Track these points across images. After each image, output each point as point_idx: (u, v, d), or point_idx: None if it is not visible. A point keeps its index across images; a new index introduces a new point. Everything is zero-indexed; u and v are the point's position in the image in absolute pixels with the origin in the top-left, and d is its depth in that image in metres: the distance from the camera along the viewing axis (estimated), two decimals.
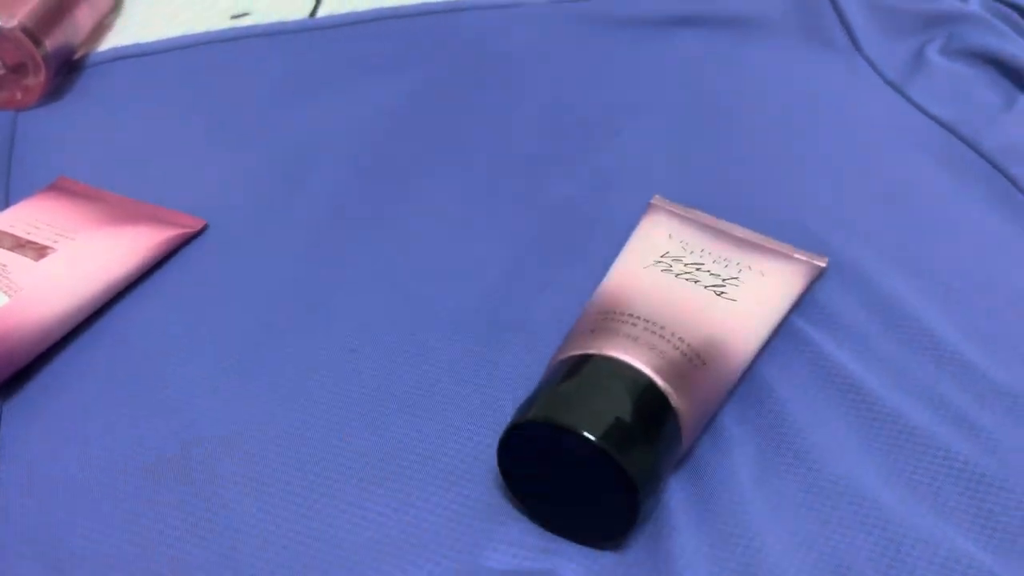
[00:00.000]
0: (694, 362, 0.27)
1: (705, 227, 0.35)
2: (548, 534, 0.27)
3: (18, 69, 0.44)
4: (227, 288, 0.36)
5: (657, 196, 0.37)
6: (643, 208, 0.37)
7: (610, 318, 0.28)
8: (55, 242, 0.34)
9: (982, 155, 0.40)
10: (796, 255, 0.35)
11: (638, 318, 0.28)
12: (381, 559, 0.27)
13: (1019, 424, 0.30)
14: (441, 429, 0.30)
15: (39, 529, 0.28)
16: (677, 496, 0.28)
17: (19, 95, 0.44)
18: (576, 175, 0.40)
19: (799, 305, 0.34)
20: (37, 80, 0.44)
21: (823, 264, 0.35)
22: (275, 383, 0.32)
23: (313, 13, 0.51)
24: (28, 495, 0.29)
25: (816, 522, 0.28)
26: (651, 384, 0.26)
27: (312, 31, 0.49)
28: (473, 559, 0.27)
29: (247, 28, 0.49)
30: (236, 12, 0.50)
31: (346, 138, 0.42)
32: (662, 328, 0.28)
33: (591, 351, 0.27)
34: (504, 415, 0.30)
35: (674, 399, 0.26)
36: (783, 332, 0.33)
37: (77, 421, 0.31)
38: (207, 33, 0.49)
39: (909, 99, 0.44)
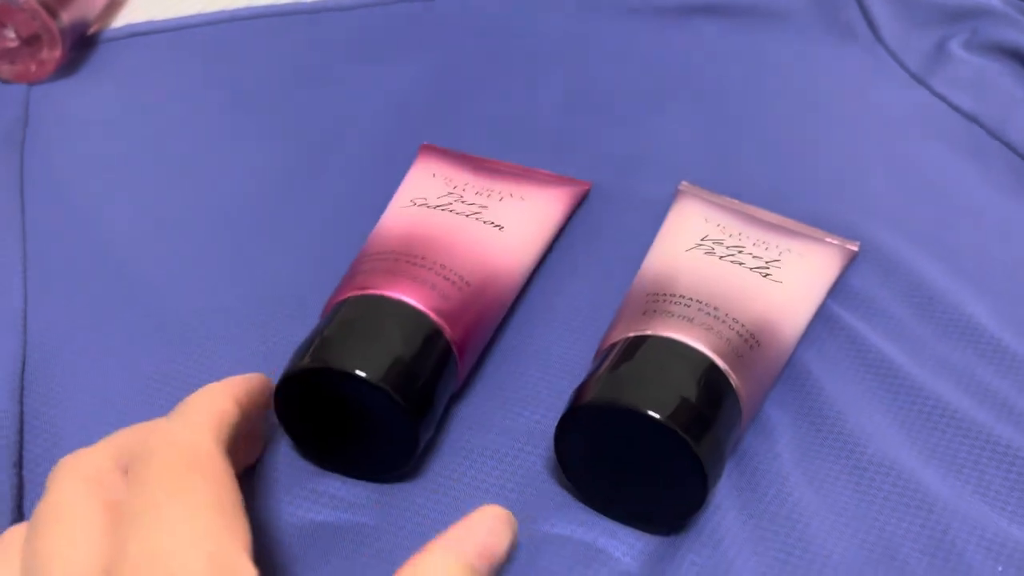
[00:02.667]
0: (749, 343, 0.27)
1: (737, 212, 0.35)
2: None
3: (32, 42, 0.43)
4: (247, 268, 0.35)
5: (685, 182, 0.37)
6: (670, 194, 0.37)
7: (661, 300, 0.28)
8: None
9: (1007, 145, 0.41)
10: (828, 239, 0.35)
11: (690, 299, 0.28)
12: (439, 523, 0.27)
13: None
14: (499, 405, 0.30)
15: None
16: (722, 478, 0.28)
17: (33, 68, 0.43)
18: (600, 161, 0.40)
19: (833, 290, 0.34)
20: (52, 54, 0.43)
21: (855, 248, 0.35)
22: None
23: None
24: None
25: (861, 504, 0.27)
26: (712, 365, 0.26)
27: (330, 11, 0.48)
28: (529, 525, 0.27)
29: (263, 7, 0.48)
30: None
31: (364, 119, 0.42)
32: (715, 309, 0.27)
33: (647, 332, 0.27)
34: (559, 398, 0.30)
35: (735, 381, 0.26)
36: (818, 316, 0.33)
37: None
38: (222, 12, 0.48)
39: (932, 90, 0.44)
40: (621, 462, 0.25)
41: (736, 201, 0.36)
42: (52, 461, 0.28)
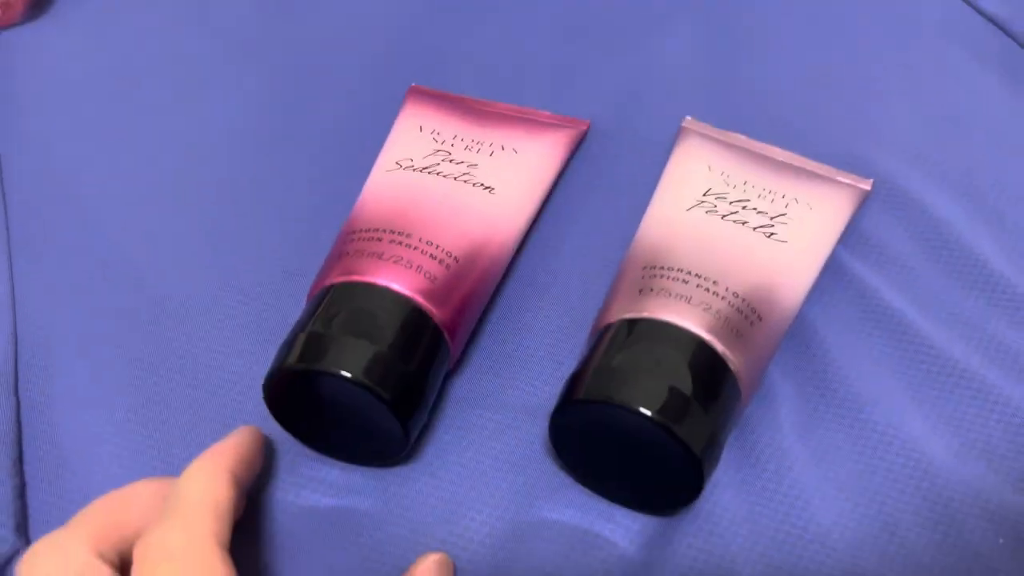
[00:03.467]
0: (750, 318, 0.26)
1: (743, 152, 0.33)
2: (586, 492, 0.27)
3: None
4: (230, 237, 0.34)
5: (688, 118, 0.35)
6: (673, 129, 0.35)
7: (657, 274, 0.27)
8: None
9: None
10: (839, 178, 0.33)
11: (688, 273, 0.26)
12: (439, 507, 0.27)
13: None
14: (494, 380, 0.30)
15: None
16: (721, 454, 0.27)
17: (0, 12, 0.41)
18: (599, 93, 0.37)
19: (843, 234, 0.32)
20: None
21: (867, 187, 0.33)
22: None
23: None
24: None
25: (863, 475, 0.27)
26: (710, 349, 0.25)
27: None
28: (527, 509, 0.27)
29: None
30: None
31: (349, 55, 0.39)
32: (715, 283, 0.26)
33: (642, 314, 0.26)
34: (556, 370, 0.30)
35: (733, 362, 0.25)
36: (826, 265, 0.32)
37: None
38: None
39: None
40: (616, 454, 0.25)
41: (742, 137, 0.34)
42: (52, 459, 0.28)
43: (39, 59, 0.40)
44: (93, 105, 0.38)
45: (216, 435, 0.29)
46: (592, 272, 0.31)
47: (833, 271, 0.32)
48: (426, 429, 0.28)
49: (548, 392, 0.29)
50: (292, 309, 0.31)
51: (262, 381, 0.26)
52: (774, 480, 0.27)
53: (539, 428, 0.28)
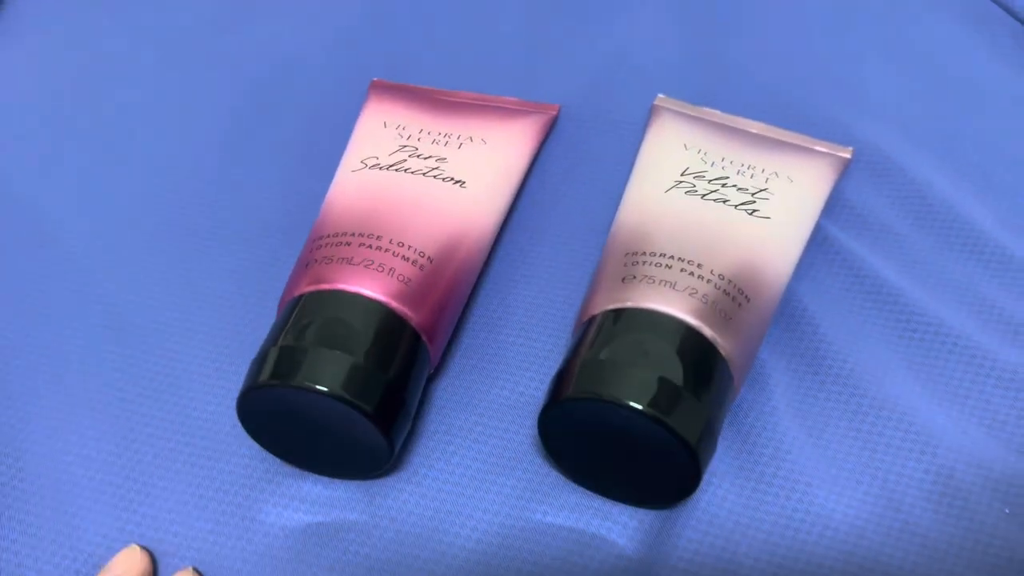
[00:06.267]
0: (738, 300, 0.25)
1: (718, 127, 0.32)
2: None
3: None
4: (197, 249, 0.33)
5: (661, 96, 0.34)
6: (646, 108, 0.34)
7: (640, 260, 0.26)
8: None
9: (1010, 12, 0.37)
10: (818, 147, 0.32)
11: (672, 257, 0.25)
12: (428, 517, 0.26)
13: None
14: (478, 380, 0.29)
15: None
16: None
17: None
18: (568, 74, 0.36)
19: (827, 204, 0.32)
20: None
21: (847, 156, 0.32)
22: None
23: None
24: None
25: (863, 453, 0.26)
26: (698, 335, 0.24)
27: None
28: (520, 513, 0.26)
29: None
30: None
31: (307, 44, 0.38)
32: (699, 267, 0.25)
33: (627, 304, 0.25)
34: (542, 366, 0.29)
35: (723, 347, 0.24)
36: (812, 239, 0.31)
37: None
38: None
39: None
40: (610, 450, 0.24)
41: (716, 112, 0.33)
42: (17, 477, 0.27)
43: None
44: (40, 114, 0.37)
45: (193, 460, 0.28)
46: (572, 261, 0.30)
47: (818, 243, 0.31)
48: (410, 436, 0.27)
49: (534, 387, 0.28)
50: (264, 321, 0.30)
51: (235, 399, 0.25)
52: (772, 465, 0.26)
53: (527, 427, 0.27)
